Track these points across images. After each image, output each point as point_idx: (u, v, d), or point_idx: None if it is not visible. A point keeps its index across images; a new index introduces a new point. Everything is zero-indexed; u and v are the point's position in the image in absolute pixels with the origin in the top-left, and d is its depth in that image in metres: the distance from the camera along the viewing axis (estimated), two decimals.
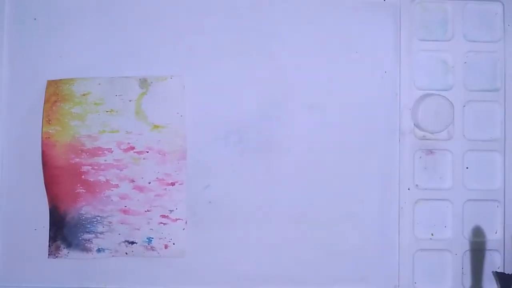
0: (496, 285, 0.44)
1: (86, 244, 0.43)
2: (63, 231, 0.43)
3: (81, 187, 0.43)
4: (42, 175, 0.42)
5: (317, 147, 0.44)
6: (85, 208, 0.43)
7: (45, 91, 0.42)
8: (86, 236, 0.43)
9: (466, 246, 0.45)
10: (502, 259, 0.45)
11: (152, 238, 0.43)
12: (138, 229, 0.43)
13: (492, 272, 0.45)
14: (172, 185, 0.43)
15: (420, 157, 0.45)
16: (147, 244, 0.43)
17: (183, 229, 0.43)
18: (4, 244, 0.43)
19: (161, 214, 0.43)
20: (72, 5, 0.44)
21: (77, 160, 0.42)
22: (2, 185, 0.43)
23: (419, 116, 0.43)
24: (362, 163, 0.44)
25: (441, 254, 0.45)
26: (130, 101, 0.43)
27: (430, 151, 0.45)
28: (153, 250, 0.43)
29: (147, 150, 0.43)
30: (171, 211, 0.43)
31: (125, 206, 0.43)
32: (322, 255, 0.44)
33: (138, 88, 0.43)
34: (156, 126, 0.43)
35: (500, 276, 0.44)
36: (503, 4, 0.45)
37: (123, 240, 0.43)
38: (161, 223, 0.43)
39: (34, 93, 0.43)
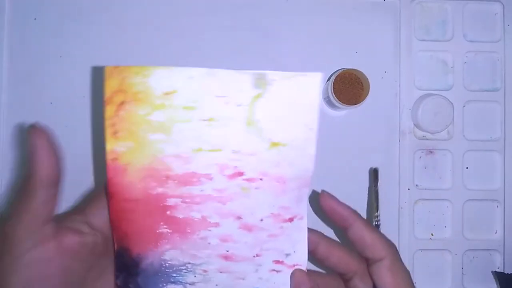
0: (496, 285, 0.44)
1: None
2: (137, 279, 0.32)
3: (165, 226, 0.32)
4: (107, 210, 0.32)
5: (316, 147, 0.44)
6: (170, 253, 0.32)
7: (106, 86, 0.29)
8: (171, 287, 0.32)
9: (466, 246, 0.45)
10: (502, 259, 0.45)
11: None
12: (243, 279, 0.32)
13: (492, 272, 0.45)
14: (290, 222, 0.32)
15: (420, 157, 0.45)
16: None
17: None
18: None
19: (274, 259, 0.32)
20: (72, 5, 0.44)
21: (160, 190, 0.31)
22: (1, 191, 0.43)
23: (419, 116, 0.43)
24: (362, 163, 0.44)
25: (441, 254, 0.45)
26: (239, 105, 0.30)
27: (430, 151, 0.45)
28: None
29: (260, 177, 0.31)
30: (287, 255, 0.32)
31: (227, 251, 0.32)
32: None
33: (252, 88, 0.30)
34: (275, 144, 0.31)
35: (500, 276, 0.44)
36: (502, 4, 0.45)
37: None
38: (274, 270, 0.33)
39: (34, 93, 0.43)
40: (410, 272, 0.44)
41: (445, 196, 0.45)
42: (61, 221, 0.31)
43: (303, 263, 0.32)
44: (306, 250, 0.32)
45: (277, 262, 0.32)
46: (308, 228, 0.32)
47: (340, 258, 0.32)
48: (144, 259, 0.32)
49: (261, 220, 0.32)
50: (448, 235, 0.45)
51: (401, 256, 0.44)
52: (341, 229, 0.32)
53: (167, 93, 0.30)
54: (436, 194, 0.45)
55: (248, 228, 0.32)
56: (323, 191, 0.32)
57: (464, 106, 0.45)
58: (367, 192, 0.44)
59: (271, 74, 0.30)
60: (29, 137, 0.28)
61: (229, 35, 0.44)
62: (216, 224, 0.31)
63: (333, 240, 0.32)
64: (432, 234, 0.45)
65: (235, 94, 0.30)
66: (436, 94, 0.43)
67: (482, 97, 0.45)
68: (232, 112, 0.30)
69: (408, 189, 0.44)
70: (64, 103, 0.43)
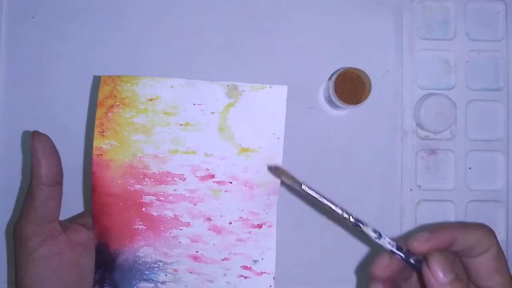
0: None
1: None
2: (113, 275, 0.34)
3: (140, 223, 0.33)
4: (91, 203, 0.34)
5: (317, 148, 0.44)
6: (144, 250, 0.34)
7: (99, 92, 0.33)
8: (143, 284, 0.34)
9: None
10: None
11: None
12: (212, 282, 0.34)
13: None
14: (259, 228, 0.34)
15: (423, 158, 0.44)
16: None
17: (270, 286, 0.34)
18: None
19: (243, 264, 0.34)
20: (70, 4, 0.43)
21: (138, 187, 0.33)
22: None
23: (421, 116, 0.42)
24: (363, 163, 0.44)
25: None
26: (212, 113, 0.33)
27: (433, 151, 0.44)
28: None
29: (230, 181, 0.33)
30: (255, 261, 0.34)
31: (197, 251, 0.34)
32: (323, 256, 0.43)
33: (225, 97, 0.33)
34: (244, 150, 0.33)
35: None
36: (505, 3, 0.45)
37: None
38: (242, 276, 0.34)
39: (32, 93, 0.43)
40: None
41: (447, 197, 0.44)
42: (72, 218, 0.35)
43: (271, 271, 0.34)
44: (274, 258, 0.34)
45: (245, 267, 0.34)
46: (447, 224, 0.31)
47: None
48: (120, 254, 0.34)
49: (230, 223, 0.33)
50: None
51: None
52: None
53: (151, 99, 0.33)
54: (439, 195, 0.44)
55: (218, 230, 0.34)
56: (413, 238, 0.30)
57: (466, 105, 0.44)
58: (369, 193, 0.44)
59: (241, 86, 0.33)
60: (32, 142, 0.31)
61: (229, 35, 0.44)
62: (187, 224, 0.33)
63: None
64: None
65: (210, 102, 0.33)
66: (438, 94, 0.43)
67: (485, 97, 0.45)
68: (207, 119, 0.33)
69: (411, 189, 0.44)
70: (63, 103, 0.43)
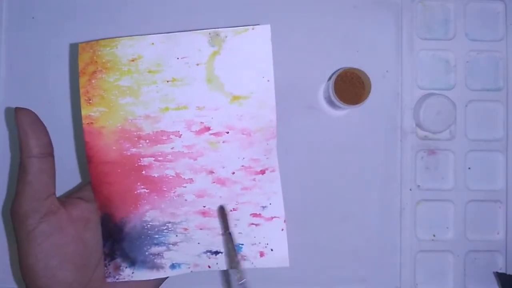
0: (498, 286, 0.44)
1: (155, 260, 0.33)
2: (123, 245, 0.33)
3: (142, 187, 0.33)
4: (89, 174, 0.33)
5: (317, 148, 0.44)
6: (151, 214, 0.33)
7: (79, 59, 0.32)
8: (155, 249, 0.33)
9: (468, 247, 0.44)
10: (504, 260, 0.44)
11: (242, 244, 0.34)
12: (223, 234, 0.34)
13: (494, 273, 0.44)
14: (262, 174, 0.34)
15: (422, 158, 0.44)
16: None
17: (282, 229, 0.35)
18: None
19: (252, 212, 0.34)
20: (70, 3, 0.43)
21: (134, 150, 0.33)
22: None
23: (420, 116, 0.42)
24: (363, 163, 0.44)
25: (443, 256, 0.44)
26: (198, 65, 0.32)
27: (432, 151, 0.44)
28: (244, 259, 0.34)
29: (227, 131, 0.33)
30: (263, 207, 0.34)
31: (204, 206, 0.33)
32: (323, 256, 0.43)
33: (208, 46, 0.32)
34: (236, 97, 0.33)
35: (502, 277, 0.44)
36: (505, 3, 0.45)
37: (204, 251, 0.33)
38: (253, 223, 0.34)
39: (31, 93, 0.43)
40: (412, 273, 0.44)
41: (447, 196, 0.44)
42: (69, 194, 0.33)
43: (281, 215, 0.34)
44: (282, 201, 0.34)
45: (255, 215, 0.34)
46: None
47: None
48: (127, 223, 0.33)
49: (233, 173, 0.33)
50: (450, 236, 0.44)
51: (403, 258, 0.44)
52: None
53: (133, 60, 0.32)
54: (438, 195, 0.44)
55: (222, 182, 0.33)
56: None
57: (466, 105, 0.45)
58: (368, 193, 0.44)
59: (224, 31, 0.32)
60: (15, 117, 0.31)
61: None
62: (190, 180, 0.33)
63: None
64: (434, 235, 0.44)
65: (193, 54, 0.32)
66: (438, 94, 0.43)
67: (485, 97, 0.45)
68: (193, 71, 0.32)
69: (410, 189, 0.44)
70: (62, 102, 0.43)
